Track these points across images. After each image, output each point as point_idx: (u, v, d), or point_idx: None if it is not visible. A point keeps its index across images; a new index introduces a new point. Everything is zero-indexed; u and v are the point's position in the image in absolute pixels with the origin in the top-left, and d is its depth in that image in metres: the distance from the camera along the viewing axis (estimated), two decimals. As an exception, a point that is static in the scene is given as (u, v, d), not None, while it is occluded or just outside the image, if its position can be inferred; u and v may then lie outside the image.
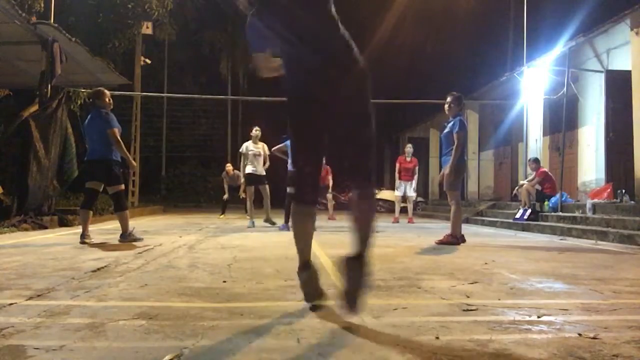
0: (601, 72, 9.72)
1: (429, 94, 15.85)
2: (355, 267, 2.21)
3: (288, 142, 7.96)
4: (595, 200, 8.24)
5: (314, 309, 2.42)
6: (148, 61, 16.58)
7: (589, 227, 7.28)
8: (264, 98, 17.28)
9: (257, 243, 5.81)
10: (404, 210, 11.55)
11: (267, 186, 8.92)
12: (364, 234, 2.27)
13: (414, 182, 11.06)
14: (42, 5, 10.06)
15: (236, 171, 12.69)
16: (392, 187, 14.02)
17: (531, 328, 2.17)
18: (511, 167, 13.92)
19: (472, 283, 3.24)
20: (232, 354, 1.79)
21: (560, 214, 8.63)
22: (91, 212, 5.86)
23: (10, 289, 2.88)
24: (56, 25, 7.74)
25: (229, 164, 13.36)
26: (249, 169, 8.71)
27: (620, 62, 9.17)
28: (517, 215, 9.27)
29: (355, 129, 2.26)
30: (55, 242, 5.76)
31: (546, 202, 9.12)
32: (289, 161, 8.06)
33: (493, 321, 2.27)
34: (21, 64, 8.79)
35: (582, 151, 10.42)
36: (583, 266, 4.17)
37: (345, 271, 2.23)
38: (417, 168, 11.15)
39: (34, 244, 5.50)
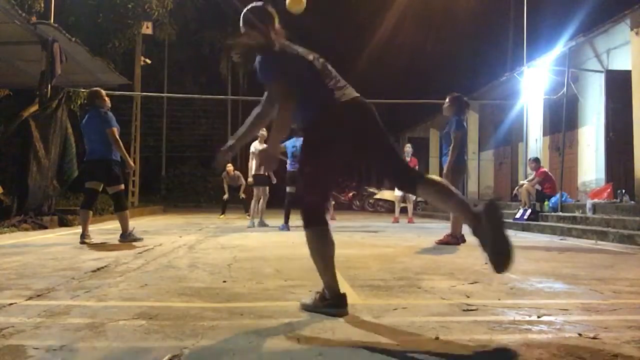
0: (601, 72, 9.72)
1: (429, 94, 15.84)
2: (489, 214, 2.14)
3: (287, 143, 7.96)
4: (595, 200, 8.24)
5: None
6: (148, 61, 16.57)
7: (589, 227, 7.28)
8: (264, 98, 17.30)
9: (257, 243, 5.81)
10: (404, 210, 11.54)
11: (267, 188, 8.95)
12: (457, 199, 2.31)
13: None
14: (42, 5, 10.06)
15: (236, 172, 12.68)
16: (392, 187, 14.01)
17: (531, 328, 2.17)
18: (511, 167, 13.92)
19: (472, 283, 3.24)
20: (232, 354, 1.79)
21: (560, 214, 8.63)
22: (91, 212, 5.85)
23: (10, 289, 2.88)
24: (56, 25, 7.74)
25: (229, 164, 13.32)
26: (264, 170, 8.72)
27: (620, 62, 9.17)
28: (517, 215, 9.27)
29: (388, 159, 2.43)
30: (55, 242, 5.76)
31: (546, 202, 9.12)
32: (288, 161, 8.07)
33: (493, 321, 2.27)
34: (21, 64, 8.78)
35: (582, 151, 10.42)
36: (583, 266, 4.17)
37: (483, 230, 2.14)
38: (417, 168, 11.14)
39: (34, 244, 5.50)
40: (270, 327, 2.14)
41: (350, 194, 20.56)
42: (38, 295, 2.72)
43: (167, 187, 21.82)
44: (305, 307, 2.42)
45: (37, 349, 1.81)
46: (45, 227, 7.61)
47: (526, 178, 10.20)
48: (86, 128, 5.74)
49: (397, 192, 11.16)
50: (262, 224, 8.66)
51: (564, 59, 9.41)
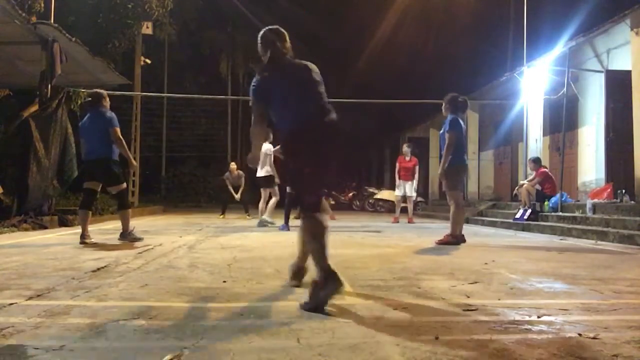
0: (601, 72, 9.71)
1: (429, 94, 15.83)
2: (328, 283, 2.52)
3: None
4: (595, 200, 8.23)
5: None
6: (148, 61, 16.57)
7: (589, 227, 7.28)
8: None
9: (257, 243, 5.81)
10: (404, 210, 11.54)
11: (276, 188, 9.00)
12: (315, 247, 2.68)
13: (415, 182, 11.03)
14: (42, 5, 10.05)
15: (239, 171, 12.62)
16: (392, 187, 14.03)
17: (531, 328, 2.17)
18: (511, 167, 13.91)
19: (472, 283, 3.24)
20: (232, 354, 1.79)
21: (560, 214, 8.63)
22: (90, 212, 5.84)
23: (10, 289, 2.88)
24: (56, 25, 7.73)
25: (233, 163, 13.20)
26: (267, 171, 8.73)
27: (620, 62, 9.17)
28: (517, 215, 9.27)
29: (329, 162, 2.94)
30: (55, 242, 5.76)
31: (546, 202, 9.12)
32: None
33: (493, 321, 2.27)
34: (21, 64, 8.78)
35: (582, 151, 10.42)
36: (583, 266, 4.17)
37: None
38: (417, 168, 11.12)
39: (34, 244, 5.50)
40: (271, 327, 2.14)
41: (350, 194, 20.58)
42: (38, 295, 2.72)
43: (167, 187, 21.81)
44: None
45: (37, 349, 1.81)
46: (45, 227, 7.61)
47: (526, 178, 10.20)
48: (87, 128, 5.71)
49: (398, 192, 11.16)
50: (262, 224, 8.66)
51: (564, 59, 9.41)
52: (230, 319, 2.26)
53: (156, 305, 2.52)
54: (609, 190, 8.37)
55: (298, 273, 3.09)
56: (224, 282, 3.20)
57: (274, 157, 8.81)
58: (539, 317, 2.36)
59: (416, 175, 11.07)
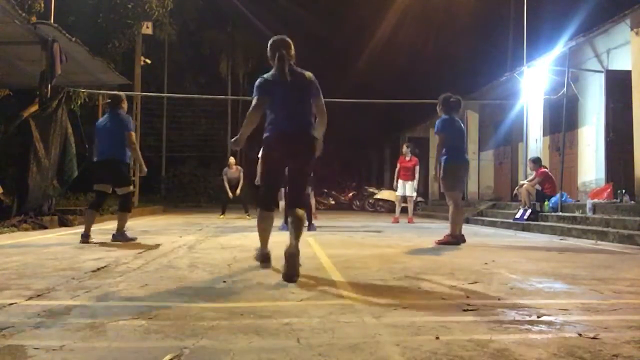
0: (601, 72, 9.72)
1: (429, 94, 15.81)
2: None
3: None
4: (595, 200, 8.23)
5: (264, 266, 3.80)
6: (148, 61, 16.56)
7: (589, 227, 7.28)
8: (264, 98, 17.24)
9: (257, 243, 5.79)
10: (404, 211, 11.54)
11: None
12: (296, 234, 3.48)
13: (415, 182, 11.03)
14: (42, 5, 10.05)
15: (238, 166, 12.54)
16: (392, 187, 14.02)
17: (531, 328, 2.17)
18: (511, 167, 13.91)
19: (472, 283, 3.24)
20: (232, 354, 1.79)
21: (560, 214, 8.63)
22: (97, 214, 5.92)
23: (10, 289, 2.88)
24: (56, 25, 7.74)
25: (232, 157, 13.02)
26: None
27: (620, 62, 9.17)
28: (517, 215, 9.27)
29: (298, 177, 3.72)
30: (55, 242, 5.76)
31: (546, 202, 9.12)
32: None
33: (493, 321, 2.27)
34: (21, 64, 8.79)
35: (582, 151, 10.42)
36: (583, 266, 4.17)
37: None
38: (417, 168, 11.11)
39: (34, 244, 5.50)
40: (270, 327, 2.14)
41: (350, 194, 20.58)
42: (38, 295, 2.72)
43: (167, 187, 21.81)
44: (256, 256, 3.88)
45: (37, 349, 1.81)
46: (45, 227, 7.61)
47: (526, 178, 10.20)
48: (103, 128, 5.81)
49: (399, 192, 11.16)
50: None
51: (564, 59, 9.41)
52: (230, 319, 2.26)
53: (156, 305, 2.52)
54: (609, 190, 8.37)
55: (265, 257, 3.88)
56: (224, 282, 3.20)
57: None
58: (539, 317, 2.36)
59: (416, 175, 11.07)
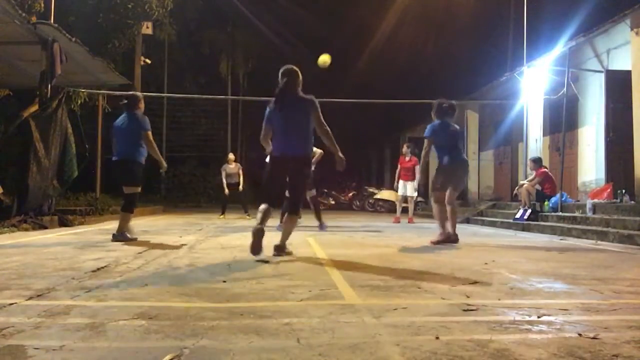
0: (601, 72, 9.71)
1: (429, 93, 15.79)
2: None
3: None
4: (595, 200, 8.23)
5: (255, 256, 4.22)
6: (148, 61, 16.57)
7: (589, 227, 7.28)
8: (264, 98, 17.25)
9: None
10: (404, 211, 11.54)
11: None
12: (286, 233, 4.52)
13: (415, 182, 11.02)
14: (42, 5, 10.05)
15: (237, 163, 12.52)
16: (392, 187, 14.03)
17: (531, 328, 2.17)
18: (511, 167, 13.90)
19: (472, 283, 3.24)
20: (232, 354, 1.79)
21: (560, 214, 8.63)
22: (131, 215, 5.95)
23: (10, 289, 2.88)
24: (56, 25, 7.74)
25: (231, 154, 12.96)
26: None
27: (620, 62, 9.17)
28: (517, 215, 9.27)
29: (292, 189, 4.58)
30: (55, 242, 5.76)
31: (546, 202, 9.12)
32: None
33: (493, 321, 2.27)
34: (21, 64, 8.78)
35: (582, 151, 10.42)
36: (583, 266, 4.17)
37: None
38: (417, 167, 11.08)
39: (34, 244, 5.50)
40: (270, 327, 2.14)
41: (350, 194, 20.58)
42: (38, 295, 2.72)
43: (167, 187, 21.81)
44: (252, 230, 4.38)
45: (37, 349, 1.81)
46: (45, 227, 7.61)
47: (526, 178, 10.20)
48: (120, 129, 5.87)
49: (399, 192, 11.16)
50: (323, 228, 8.44)
51: (564, 59, 9.41)
52: (230, 319, 2.26)
53: (156, 305, 2.52)
54: (609, 190, 8.37)
55: (258, 231, 4.35)
56: (224, 282, 3.20)
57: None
58: (539, 317, 2.36)
59: (417, 175, 11.05)
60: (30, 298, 2.65)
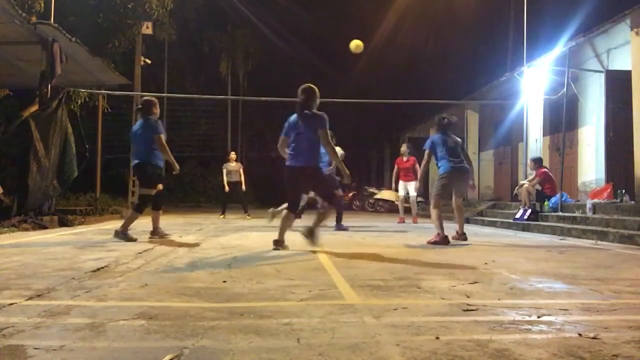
0: (601, 72, 9.71)
1: (429, 94, 15.81)
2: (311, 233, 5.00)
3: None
4: (595, 200, 8.23)
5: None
6: (148, 61, 16.54)
7: (589, 227, 7.28)
8: (264, 98, 17.25)
9: (257, 243, 5.81)
10: (406, 211, 11.51)
11: None
12: (319, 219, 5.05)
13: (416, 182, 10.99)
14: (42, 5, 10.06)
15: (238, 162, 12.51)
16: (391, 187, 14.00)
17: (531, 328, 2.17)
18: (511, 167, 13.90)
19: (472, 283, 3.24)
20: (232, 354, 1.79)
21: (560, 214, 8.63)
22: (160, 212, 6.30)
23: (10, 289, 2.88)
24: (56, 25, 7.74)
25: (233, 152, 12.98)
26: (330, 171, 8.70)
27: (620, 62, 9.16)
28: (517, 215, 9.26)
29: (315, 186, 5.25)
30: (55, 242, 5.76)
31: (546, 202, 9.11)
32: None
33: (493, 321, 2.27)
34: (21, 64, 8.79)
35: (582, 151, 10.42)
36: (583, 266, 4.17)
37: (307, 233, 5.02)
38: (417, 166, 11.05)
39: (34, 244, 5.50)
40: (270, 327, 2.14)
41: (350, 194, 20.57)
42: (38, 295, 2.72)
43: (167, 187, 21.82)
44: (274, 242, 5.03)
45: (37, 349, 1.81)
46: (45, 227, 7.61)
47: (526, 178, 10.20)
48: (136, 134, 6.01)
49: (401, 193, 11.13)
50: (341, 229, 8.48)
51: (564, 59, 9.40)
52: (230, 319, 2.26)
53: (156, 305, 2.52)
54: (609, 190, 8.37)
55: (280, 243, 5.00)
56: (224, 282, 3.20)
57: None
58: (539, 317, 2.36)
59: (418, 174, 11.02)
60: (30, 298, 2.65)
